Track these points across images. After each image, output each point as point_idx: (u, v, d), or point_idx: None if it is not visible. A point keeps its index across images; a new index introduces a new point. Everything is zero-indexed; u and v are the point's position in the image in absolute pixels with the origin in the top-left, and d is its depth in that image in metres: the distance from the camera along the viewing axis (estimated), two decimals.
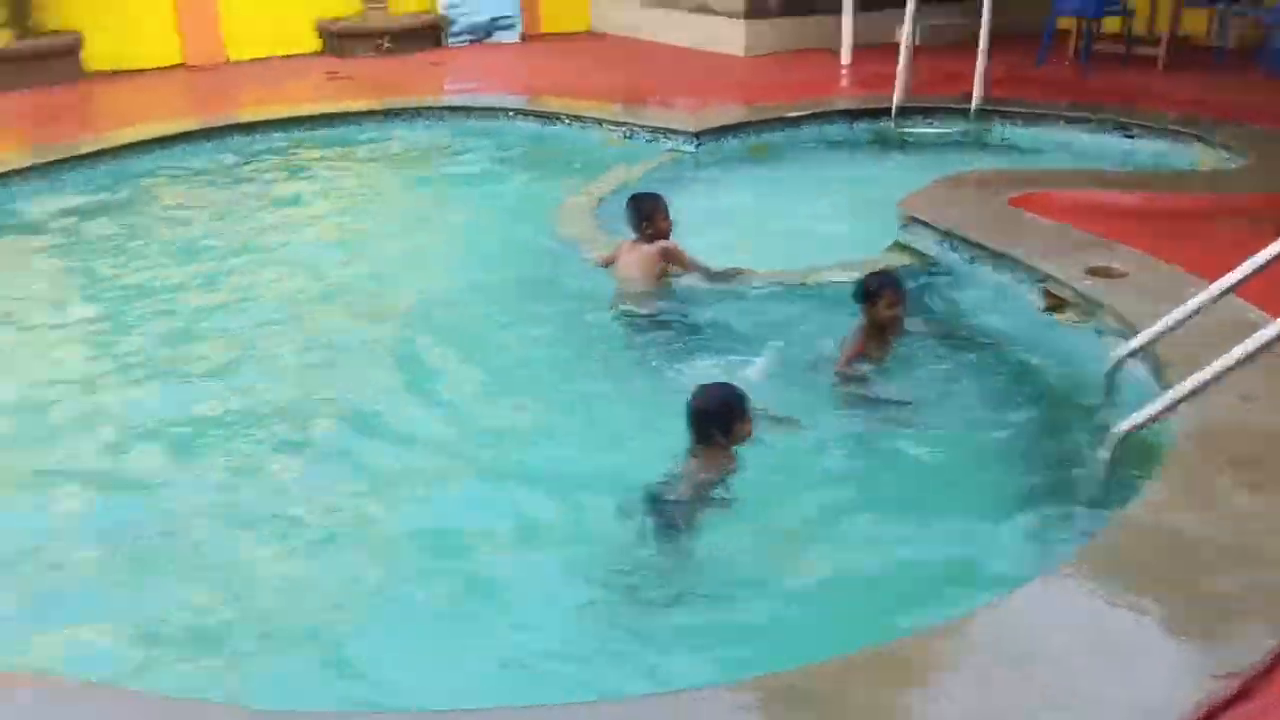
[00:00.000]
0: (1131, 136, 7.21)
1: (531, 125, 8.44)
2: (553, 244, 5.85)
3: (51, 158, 7.25)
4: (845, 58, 10.15)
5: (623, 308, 4.87)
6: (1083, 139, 7.45)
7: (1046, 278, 4.55)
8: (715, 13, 11.32)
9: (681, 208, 5.42)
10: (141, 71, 10.97)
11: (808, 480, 3.66)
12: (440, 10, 12.44)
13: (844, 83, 9.73)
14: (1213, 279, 3.48)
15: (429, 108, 8.64)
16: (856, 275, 4.96)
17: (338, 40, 11.88)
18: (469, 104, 8.68)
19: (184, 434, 4.06)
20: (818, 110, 7.99)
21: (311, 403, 4.28)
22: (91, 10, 10.67)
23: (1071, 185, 5.96)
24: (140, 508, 3.60)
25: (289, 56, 11.77)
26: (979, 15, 7.73)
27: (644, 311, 4.82)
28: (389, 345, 4.77)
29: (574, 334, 4.85)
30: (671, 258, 4.97)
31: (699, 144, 7.52)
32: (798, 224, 6.46)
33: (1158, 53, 9.28)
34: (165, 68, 11.16)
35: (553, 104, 8.57)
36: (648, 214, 4.99)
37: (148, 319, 5.15)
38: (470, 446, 3.96)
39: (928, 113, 8.00)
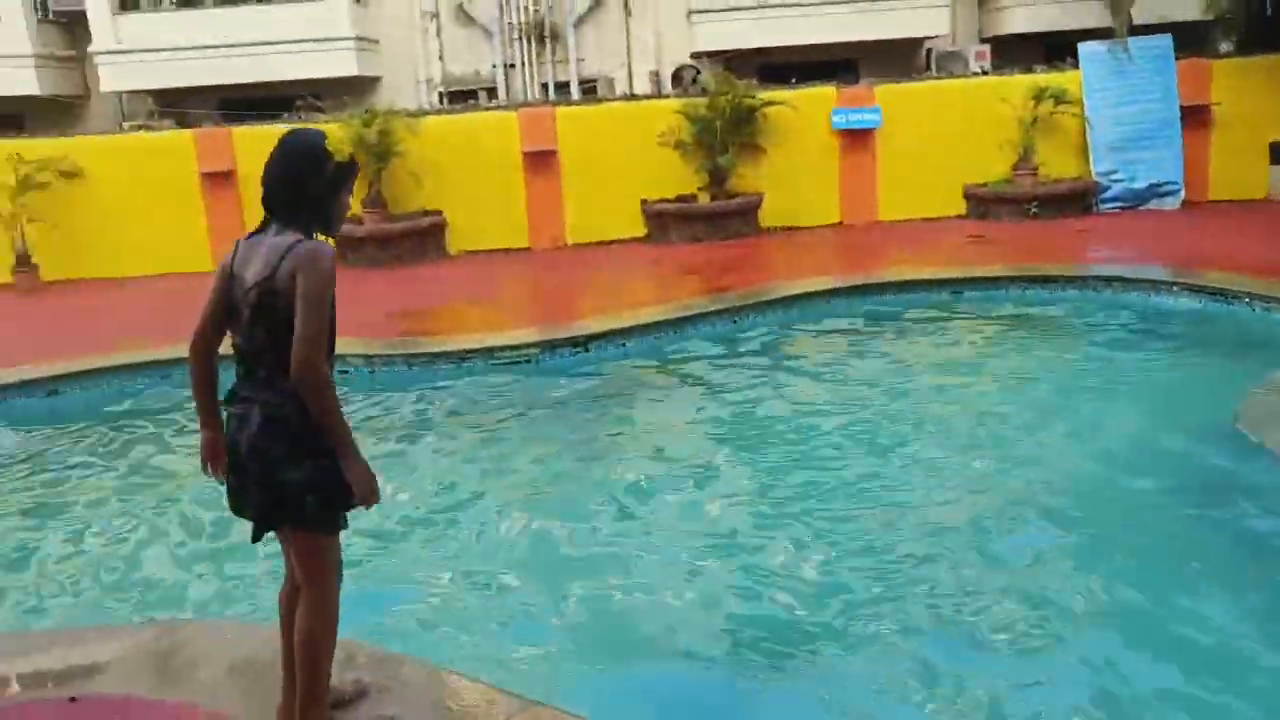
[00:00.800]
0: None
1: (1193, 302, 7.77)
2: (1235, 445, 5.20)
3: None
4: None
5: None
6: None
7: None
8: None
9: None
10: (807, 228, 12.43)
11: None
12: (1094, 176, 12.19)
13: None
14: None
15: (1073, 277, 8.42)
16: None
17: (982, 204, 12.25)
18: (1119, 275, 8.28)
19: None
20: None
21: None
22: (772, 174, 12.42)
23: None
24: None
25: (934, 219, 12.42)
26: None
27: None
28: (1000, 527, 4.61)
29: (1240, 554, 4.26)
30: None
31: None
32: None
33: None
34: (825, 226, 12.52)
35: (1222, 279, 7.81)
36: None
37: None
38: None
39: None
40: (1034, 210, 11.84)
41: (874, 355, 7.44)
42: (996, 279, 8.72)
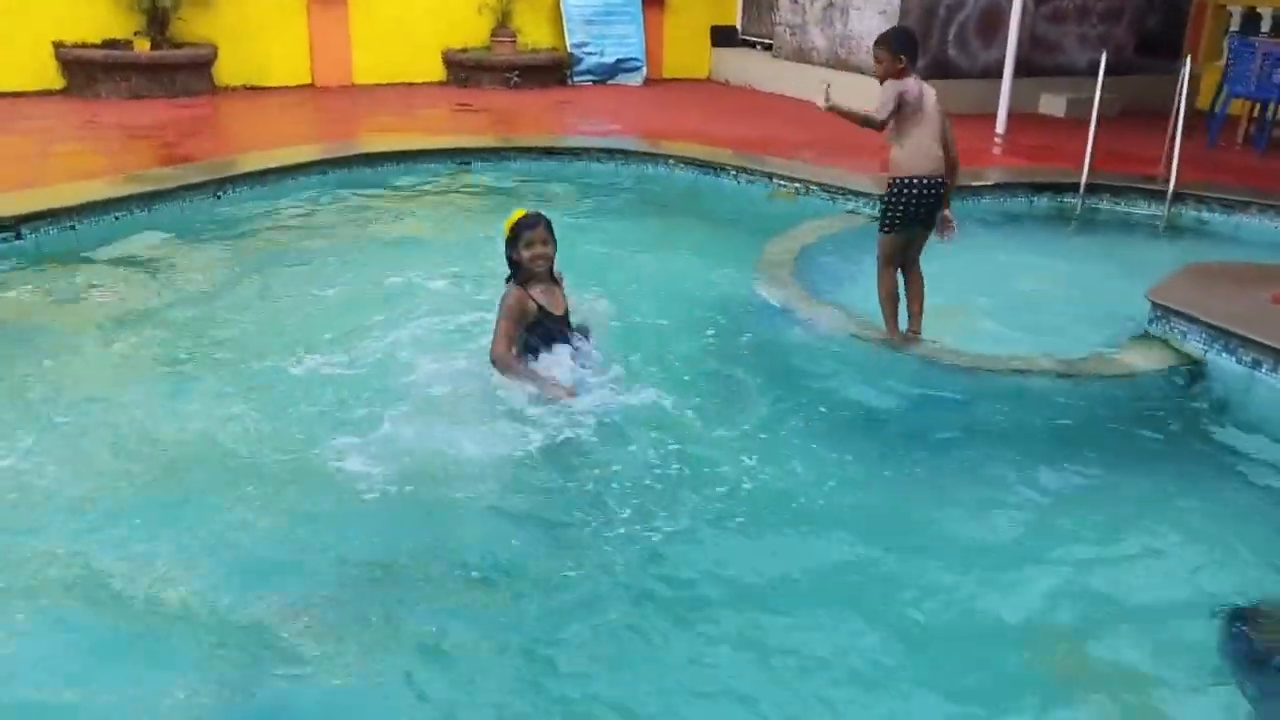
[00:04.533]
0: None
1: (689, 173, 8.10)
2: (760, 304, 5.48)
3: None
4: (1000, 126, 9.80)
5: None
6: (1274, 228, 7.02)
7: None
8: (860, 72, 11.02)
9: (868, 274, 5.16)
10: (271, 89, 10.81)
11: None
12: (568, 48, 12.25)
13: (998, 151, 9.37)
14: None
15: (584, 149, 8.32)
16: (1077, 375, 4.61)
17: (464, 70, 11.69)
18: (626, 148, 8.36)
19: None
20: (1003, 181, 7.61)
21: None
22: (228, 25, 10.52)
23: None
24: None
25: (413, 84, 11.60)
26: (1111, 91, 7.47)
27: None
28: None
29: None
30: None
31: None
32: (1001, 302, 6.06)
33: None
34: (294, 87, 11.01)
35: (721, 155, 8.24)
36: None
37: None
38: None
39: (1116, 191, 7.59)
40: (516, 80, 11.59)
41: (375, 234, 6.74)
42: (502, 150, 8.29)
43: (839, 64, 11.33)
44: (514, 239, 4.18)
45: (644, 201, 7.72)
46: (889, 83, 4.78)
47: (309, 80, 11.15)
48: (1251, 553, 3.56)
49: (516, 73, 11.61)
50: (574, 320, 4.43)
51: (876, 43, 4.90)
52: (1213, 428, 4.54)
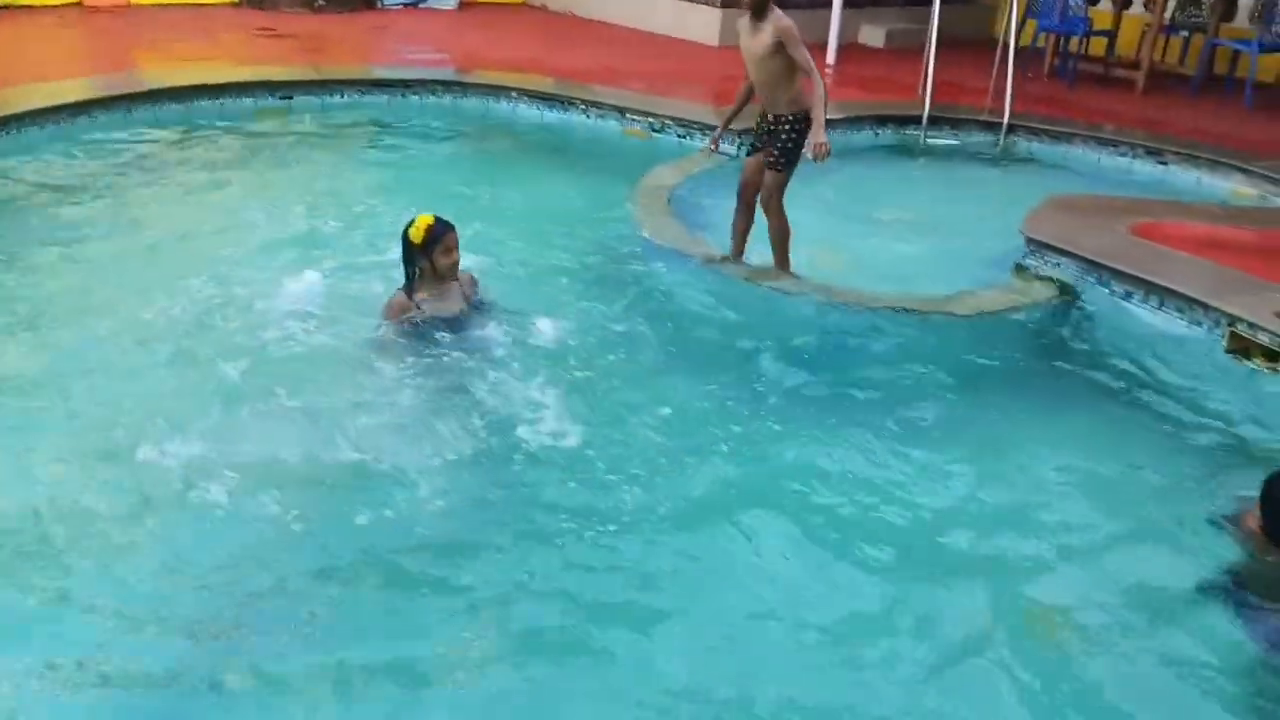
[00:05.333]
0: (1164, 163, 7.24)
1: (534, 109, 7.66)
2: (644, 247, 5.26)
3: None
4: (830, 58, 9.87)
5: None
6: (1115, 161, 7.43)
7: (1234, 319, 4.35)
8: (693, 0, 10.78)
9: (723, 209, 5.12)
10: (29, 8, 9.37)
11: None
12: None
13: (830, 84, 9.43)
14: None
15: (420, 81, 7.68)
16: (980, 309, 4.71)
17: None
18: (465, 80, 7.78)
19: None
20: (849, 115, 7.63)
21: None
22: None
23: (1183, 216, 5.78)
24: None
25: (202, 5, 10.39)
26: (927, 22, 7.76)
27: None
28: None
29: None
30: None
31: (741, 143, 6.98)
32: (864, 239, 6.10)
33: (1136, 76, 9.48)
34: (58, 5, 9.59)
35: (568, 89, 7.81)
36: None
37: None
38: None
39: (955, 124, 7.79)
40: (320, 3, 10.60)
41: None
42: (326, 82, 7.52)
43: None
44: (428, 244, 3.85)
45: (493, 138, 7.25)
46: (788, 24, 4.58)
47: None
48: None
49: None
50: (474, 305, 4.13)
51: None
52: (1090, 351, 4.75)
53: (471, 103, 7.67)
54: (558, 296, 4.72)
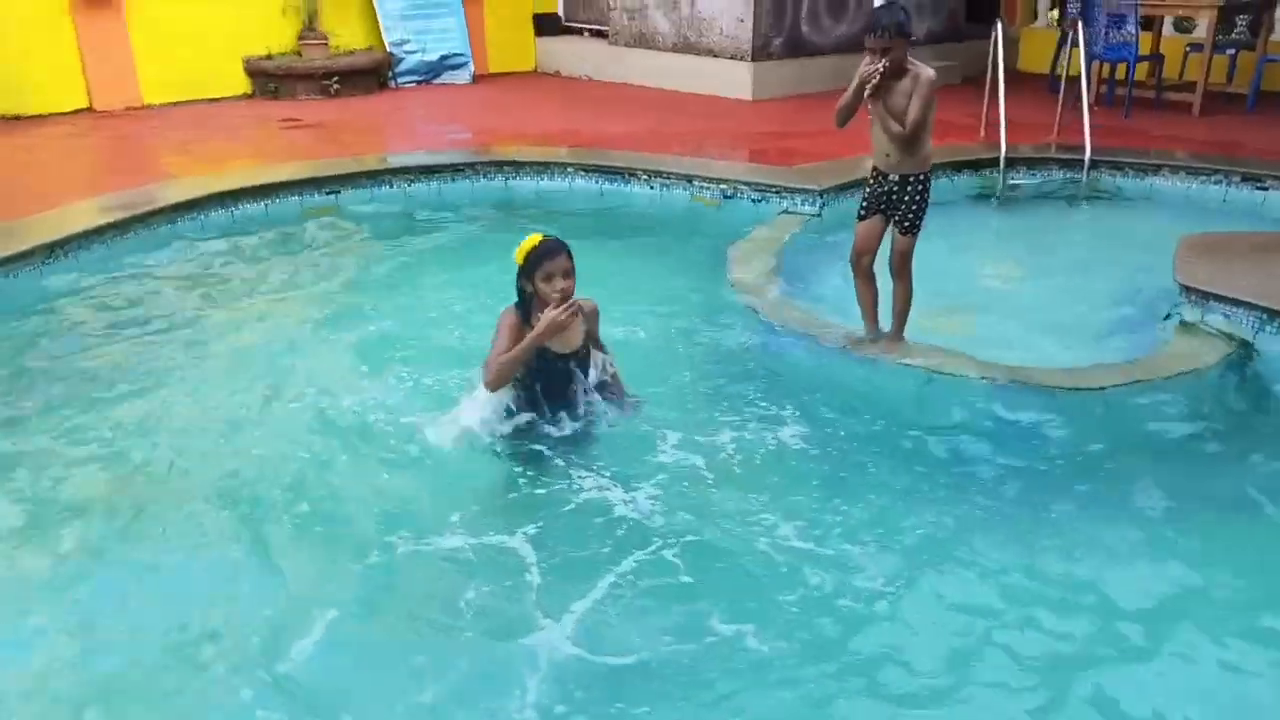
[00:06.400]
0: (1264, 188, 6.89)
1: (592, 182, 7.24)
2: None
3: None
4: None
5: None
6: (1206, 191, 7.08)
7: None
8: (714, 54, 10.48)
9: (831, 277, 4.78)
10: (37, 119, 8.93)
11: None
12: (387, 47, 10.97)
13: None
14: None
15: (469, 164, 7.25)
16: (1141, 378, 4.27)
17: (272, 80, 10.18)
18: (516, 159, 7.36)
19: None
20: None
21: None
22: None
23: None
24: None
25: (216, 100, 9.99)
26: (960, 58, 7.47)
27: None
28: None
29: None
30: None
31: (823, 203, 6.60)
32: (979, 298, 5.69)
33: (1191, 99, 9.20)
34: (68, 113, 9.16)
35: (619, 158, 7.43)
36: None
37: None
38: None
39: (1032, 163, 7.44)
40: (336, 87, 10.22)
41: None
42: (374, 174, 7.09)
43: (687, 48, 10.74)
44: (530, 267, 3.53)
45: (558, 218, 6.82)
46: (931, 75, 4.17)
47: (86, 104, 9.32)
48: None
49: (336, 79, 10.24)
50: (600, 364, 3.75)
51: (882, 33, 4.11)
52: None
53: (525, 182, 7.26)
54: (684, 391, 4.28)
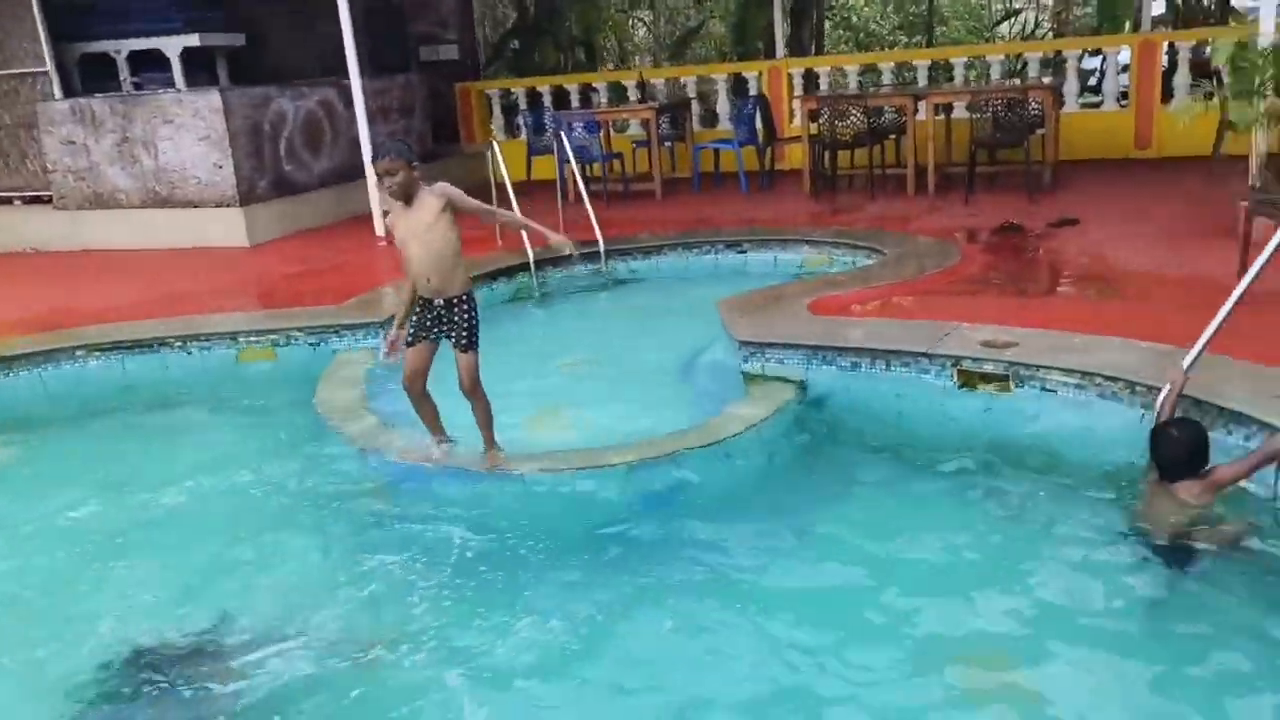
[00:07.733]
0: (743, 251, 8.13)
1: (115, 362, 6.33)
2: None
3: None
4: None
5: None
6: (701, 260, 8.17)
7: (957, 359, 4.98)
8: (194, 205, 9.75)
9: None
10: None
11: None
12: None
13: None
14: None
15: None
16: (749, 424, 4.81)
17: None
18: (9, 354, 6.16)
19: None
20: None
21: None
22: None
23: (818, 291, 6.39)
24: None
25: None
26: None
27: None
28: None
29: None
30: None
31: (385, 334, 6.45)
32: (561, 393, 5.98)
33: (654, 186, 10.61)
34: None
35: (145, 329, 6.56)
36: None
37: None
38: None
39: (557, 261, 8.00)
40: None
41: None
42: None
43: (161, 203, 9.90)
44: None
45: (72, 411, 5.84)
46: (446, 185, 4.43)
47: None
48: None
49: None
50: None
51: (390, 161, 4.30)
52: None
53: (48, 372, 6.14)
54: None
